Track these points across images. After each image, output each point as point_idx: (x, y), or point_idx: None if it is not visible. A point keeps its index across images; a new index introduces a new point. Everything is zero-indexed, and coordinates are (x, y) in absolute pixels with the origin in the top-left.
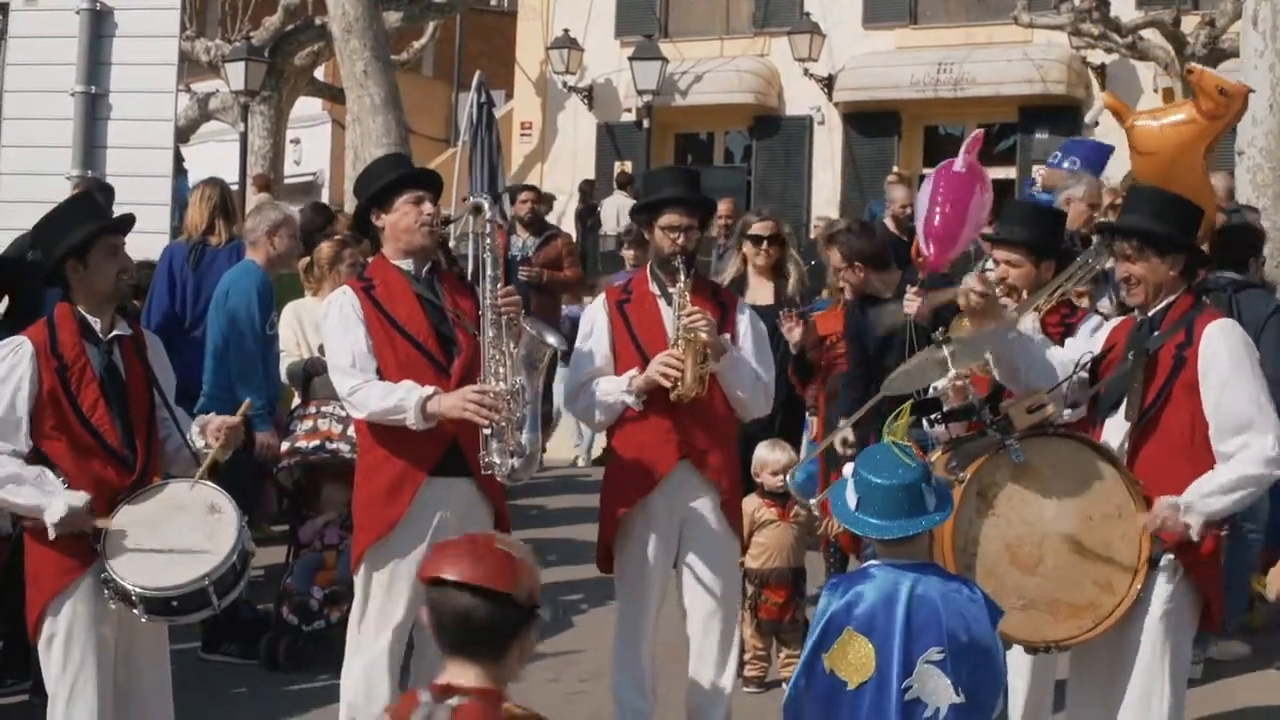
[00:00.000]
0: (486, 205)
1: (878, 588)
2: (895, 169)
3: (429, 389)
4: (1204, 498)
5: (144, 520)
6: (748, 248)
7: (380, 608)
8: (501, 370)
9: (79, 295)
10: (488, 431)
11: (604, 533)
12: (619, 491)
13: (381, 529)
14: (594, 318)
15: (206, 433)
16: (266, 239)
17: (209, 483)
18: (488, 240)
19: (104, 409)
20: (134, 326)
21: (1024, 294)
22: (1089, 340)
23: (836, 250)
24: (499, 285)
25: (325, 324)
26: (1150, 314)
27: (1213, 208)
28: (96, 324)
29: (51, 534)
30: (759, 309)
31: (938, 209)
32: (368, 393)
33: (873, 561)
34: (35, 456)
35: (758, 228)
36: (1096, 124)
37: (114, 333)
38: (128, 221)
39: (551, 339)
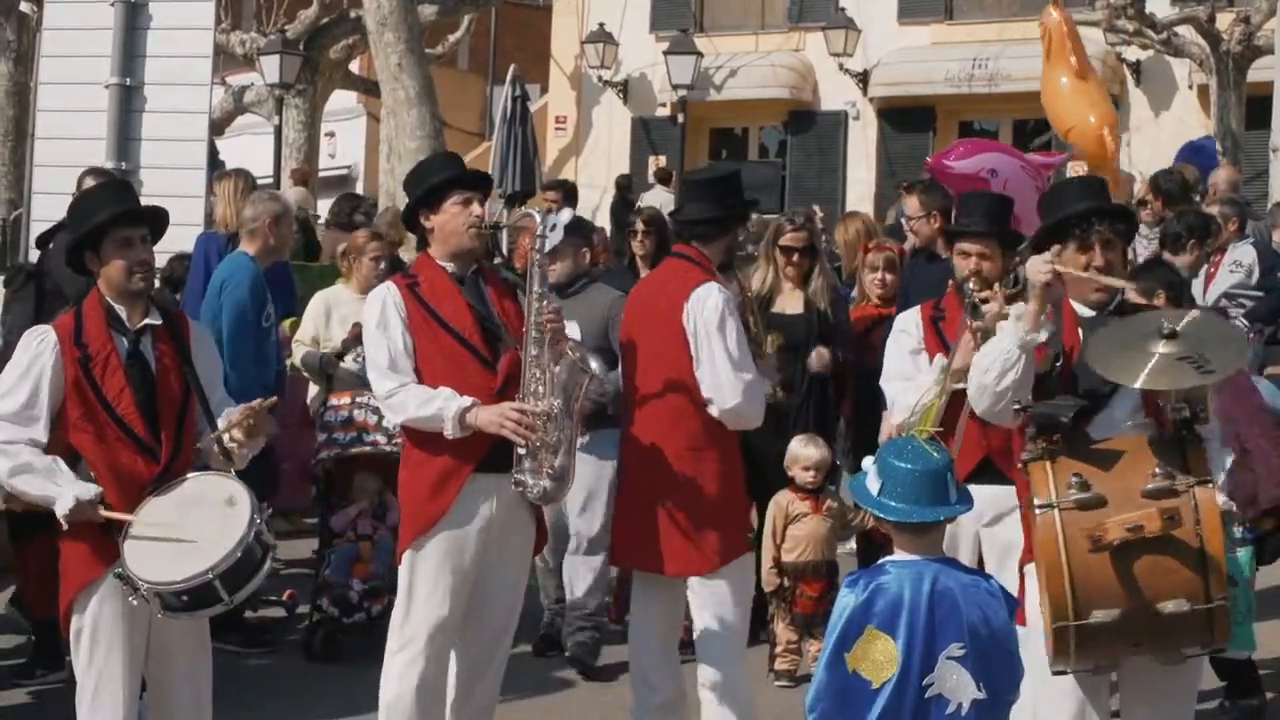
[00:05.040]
0: (538, 217)
1: (898, 582)
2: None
3: (467, 400)
4: None
5: (164, 514)
6: (779, 258)
7: (424, 604)
8: (540, 389)
9: (103, 285)
10: (522, 451)
11: (738, 537)
12: (741, 508)
13: (425, 524)
14: (733, 313)
15: (230, 423)
16: (264, 230)
17: (229, 475)
18: (537, 255)
19: (130, 398)
20: (176, 318)
21: (996, 287)
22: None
23: (915, 199)
24: (545, 301)
25: (365, 321)
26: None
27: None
28: (123, 312)
29: (64, 525)
30: (788, 318)
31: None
32: (405, 398)
33: (890, 556)
34: (67, 449)
35: (790, 239)
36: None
37: (144, 322)
38: (137, 214)
39: (594, 364)
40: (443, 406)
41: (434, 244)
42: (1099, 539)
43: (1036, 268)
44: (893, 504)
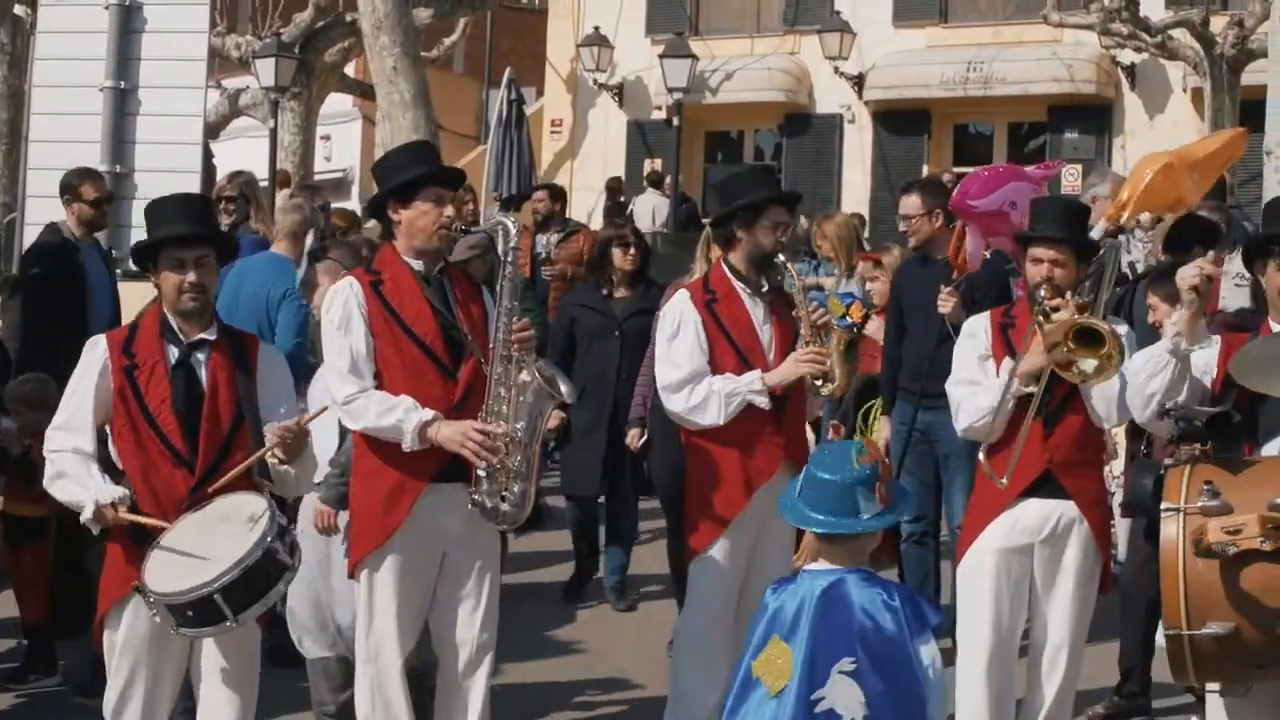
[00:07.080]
0: (512, 227)
1: (797, 591)
2: (925, 167)
3: (429, 413)
4: None
5: (190, 531)
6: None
7: (385, 617)
8: (504, 409)
9: (163, 298)
10: (482, 472)
11: (700, 537)
12: (718, 495)
13: (381, 537)
14: (682, 315)
15: (272, 440)
16: (295, 237)
17: (261, 493)
18: (509, 268)
19: (169, 408)
20: (246, 338)
21: (1069, 295)
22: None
23: (915, 197)
24: (514, 318)
25: (325, 318)
26: None
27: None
28: (177, 324)
29: (94, 530)
30: None
31: (993, 171)
32: (364, 405)
33: (808, 565)
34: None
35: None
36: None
37: (200, 336)
38: (189, 236)
39: (563, 388)
40: (403, 418)
41: (400, 238)
42: (1199, 541)
43: (1187, 272)
44: (803, 509)
